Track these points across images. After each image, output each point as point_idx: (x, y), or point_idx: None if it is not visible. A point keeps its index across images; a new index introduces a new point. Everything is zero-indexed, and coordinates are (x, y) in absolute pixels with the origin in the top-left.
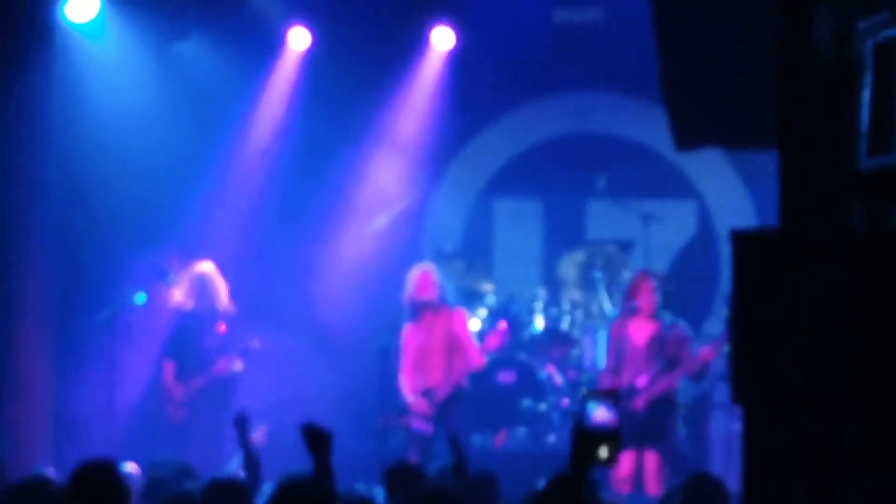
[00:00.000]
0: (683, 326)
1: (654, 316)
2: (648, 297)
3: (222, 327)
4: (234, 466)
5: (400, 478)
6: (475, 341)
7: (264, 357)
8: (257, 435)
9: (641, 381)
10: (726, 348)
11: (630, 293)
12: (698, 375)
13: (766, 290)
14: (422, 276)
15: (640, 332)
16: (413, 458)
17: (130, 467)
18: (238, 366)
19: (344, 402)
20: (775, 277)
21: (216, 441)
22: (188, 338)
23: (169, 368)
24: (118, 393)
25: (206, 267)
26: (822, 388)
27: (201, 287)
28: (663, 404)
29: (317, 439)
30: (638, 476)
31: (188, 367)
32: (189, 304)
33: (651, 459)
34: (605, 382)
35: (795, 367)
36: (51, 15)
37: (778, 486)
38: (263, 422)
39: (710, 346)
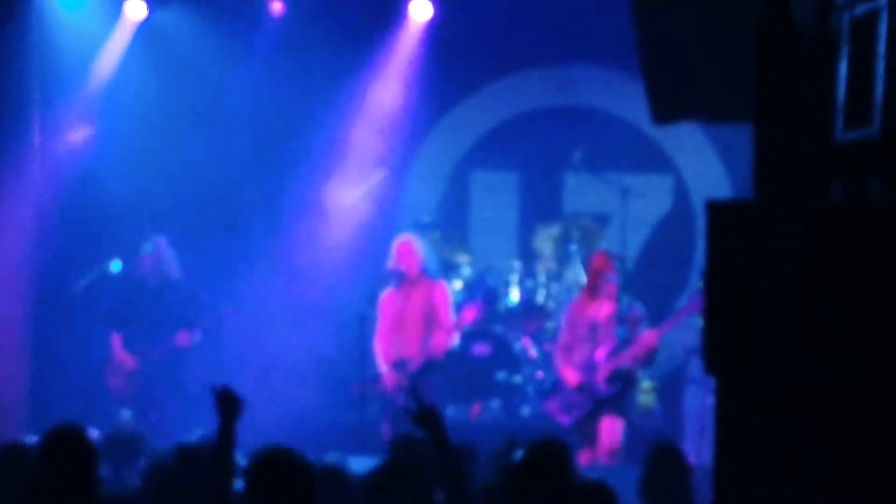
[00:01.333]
0: (640, 308)
1: (613, 296)
2: (609, 278)
3: (174, 298)
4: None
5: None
6: (452, 318)
7: (245, 325)
8: None
9: (600, 355)
10: (699, 322)
11: (591, 274)
12: (645, 362)
13: (739, 262)
14: (402, 246)
15: (600, 310)
16: (385, 427)
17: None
18: (196, 337)
19: (322, 370)
20: (749, 249)
21: (171, 410)
22: (137, 308)
23: (116, 340)
24: (93, 359)
25: (159, 241)
26: (795, 358)
27: (153, 259)
28: (622, 377)
29: (228, 405)
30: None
31: (138, 337)
32: (140, 275)
33: (607, 423)
34: (559, 358)
35: (768, 338)
36: None
37: (750, 457)
38: (242, 389)
39: (653, 331)
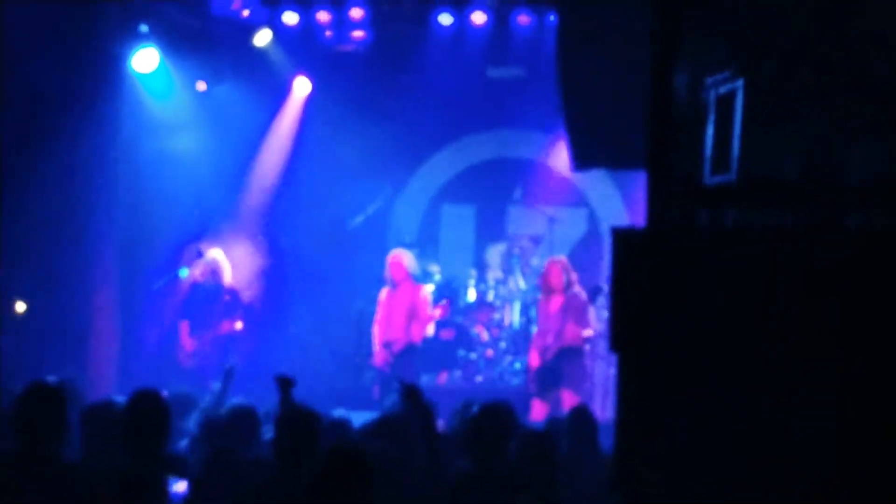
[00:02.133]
0: (581, 296)
1: (563, 290)
2: (557, 277)
3: (226, 297)
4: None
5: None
6: (428, 314)
7: (273, 317)
8: None
9: (548, 339)
10: (604, 314)
11: (544, 276)
12: (583, 341)
13: (635, 272)
14: (394, 258)
15: (554, 303)
16: (376, 391)
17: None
18: (239, 325)
19: (330, 349)
20: (642, 262)
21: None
22: (199, 304)
23: (184, 327)
24: (166, 342)
25: (217, 253)
26: (674, 339)
27: (211, 268)
28: (569, 354)
29: (284, 383)
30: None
31: (198, 325)
32: (201, 279)
33: (567, 398)
34: (532, 344)
35: (654, 325)
36: (121, 66)
37: (642, 415)
38: (272, 364)
39: (572, 325)
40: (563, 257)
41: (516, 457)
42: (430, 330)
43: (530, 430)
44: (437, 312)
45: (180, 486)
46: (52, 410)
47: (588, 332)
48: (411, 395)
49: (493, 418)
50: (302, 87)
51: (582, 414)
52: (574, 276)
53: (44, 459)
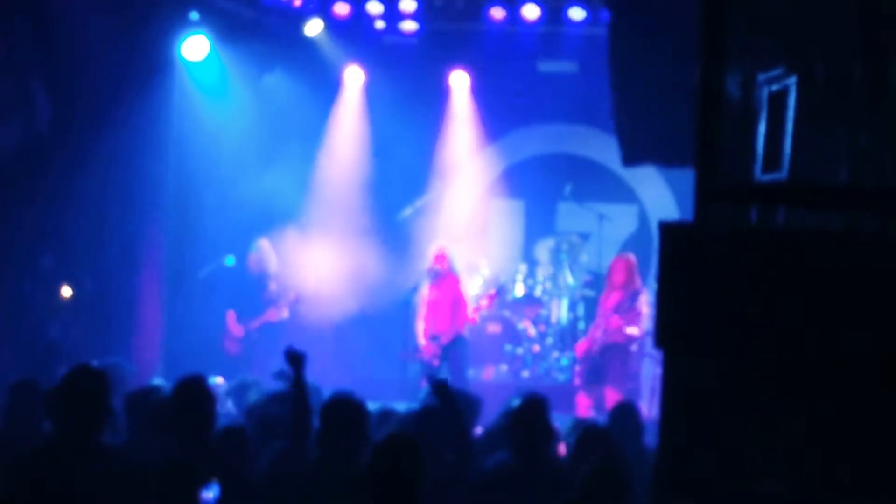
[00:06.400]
0: (637, 304)
1: (622, 287)
2: (619, 274)
3: (272, 286)
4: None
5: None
6: (470, 304)
7: (324, 308)
8: None
9: (598, 333)
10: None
11: (608, 271)
12: (628, 341)
13: (683, 267)
14: (438, 251)
15: (612, 299)
16: (423, 383)
17: (218, 380)
18: (285, 314)
19: (376, 341)
20: (690, 257)
21: (266, 369)
22: (245, 292)
23: (230, 314)
24: (212, 329)
25: (263, 243)
26: (719, 336)
27: (258, 257)
28: (613, 351)
29: (295, 359)
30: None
31: (245, 313)
32: (249, 269)
33: (609, 395)
34: (589, 332)
35: (701, 321)
36: (171, 53)
37: (687, 412)
38: (319, 353)
39: (618, 320)
40: (629, 255)
41: (575, 450)
42: (477, 320)
43: (592, 425)
44: (485, 303)
45: (209, 494)
46: (93, 395)
47: (633, 331)
48: (440, 392)
49: (532, 409)
50: (353, 77)
51: (626, 411)
52: (637, 276)
53: (85, 444)
